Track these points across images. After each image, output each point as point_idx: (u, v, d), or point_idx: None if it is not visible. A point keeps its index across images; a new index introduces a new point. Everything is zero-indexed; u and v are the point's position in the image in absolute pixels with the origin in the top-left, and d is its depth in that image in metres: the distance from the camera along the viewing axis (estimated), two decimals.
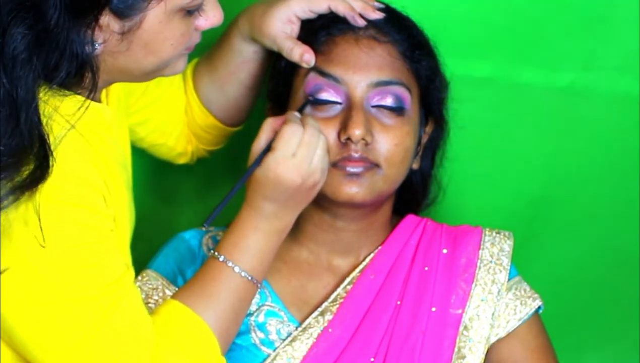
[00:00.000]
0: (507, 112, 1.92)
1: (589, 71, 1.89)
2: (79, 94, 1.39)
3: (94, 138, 1.43)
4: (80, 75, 1.37)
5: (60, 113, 1.37)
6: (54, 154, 1.34)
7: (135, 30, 1.37)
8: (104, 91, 1.50)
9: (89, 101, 1.39)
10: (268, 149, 1.51)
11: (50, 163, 1.33)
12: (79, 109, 1.37)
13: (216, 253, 1.50)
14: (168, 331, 1.44)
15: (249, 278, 1.50)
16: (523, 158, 1.96)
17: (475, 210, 1.93)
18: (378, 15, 1.62)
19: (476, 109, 1.89)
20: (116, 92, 1.56)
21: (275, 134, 1.51)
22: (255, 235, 1.51)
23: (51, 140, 1.34)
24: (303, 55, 1.60)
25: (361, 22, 1.61)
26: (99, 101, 1.48)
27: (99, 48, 1.37)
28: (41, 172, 1.32)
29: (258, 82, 1.74)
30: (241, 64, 1.70)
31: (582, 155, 1.96)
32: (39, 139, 1.33)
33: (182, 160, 1.81)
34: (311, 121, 1.52)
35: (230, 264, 1.49)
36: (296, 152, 1.49)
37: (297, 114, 1.54)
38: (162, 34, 1.39)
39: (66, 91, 1.37)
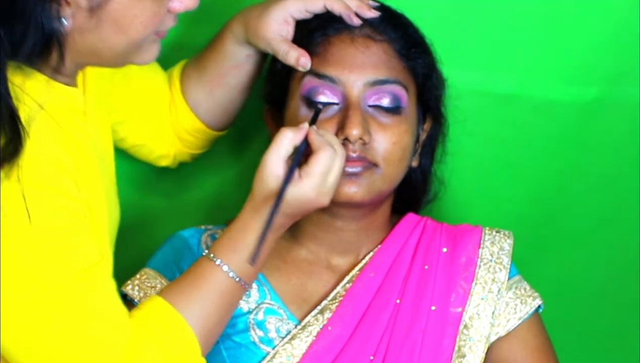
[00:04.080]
0: (528, 125, 1.92)
1: (612, 85, 1.88)
2: (46, 74, 1.37)
3: (65, 121, 1.41)
4: (47, 50, 1.36)
5: (28, 93, 1.35)
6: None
7: (104, 7, 1.36)
8: (80, 79, 1.49)
9: (56, 83, 1.37)
10: (295, 165, 1.47)
11: (23, 136, 1.31)
12: (47, 89, 1.36)
13: (211, 255, 1.49)
14: (146, 326, 1.42)
15: (237, 279, 1.48)
16: (528, 162, 1.96)
17: (485, 218, 1.92)
18: (374, 14, 1.61)
19: (495, 122, 1.89)
20: (95, 83, 1.54)
21: (295, 149, 1.48)
22: (251, 245, 1.47)
23: (22, 119, 1.32)
24: (299, 59, 1.59)
25: (357, 21, 1.61)
26: (74, 86, 1.46)
27: (67, 25, 1.36)
28: (14, 146, 1.31)
29: (248, 87, 1.73)
30: (232, 67, 1.69)
31: (590, 162, 1.95)
32: (8, 112, 1.31)
33: (163, 163, 1.80)
34: (336, 140, 1.51)
35: (218, 262, 1.48)
36: (328, 179, 1.48)
37: (320, 131, 1.51)
38: (131, 11, 1.38)
39: (35, 71, 1.36)
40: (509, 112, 1.89)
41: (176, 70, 1.75)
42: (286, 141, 1.48)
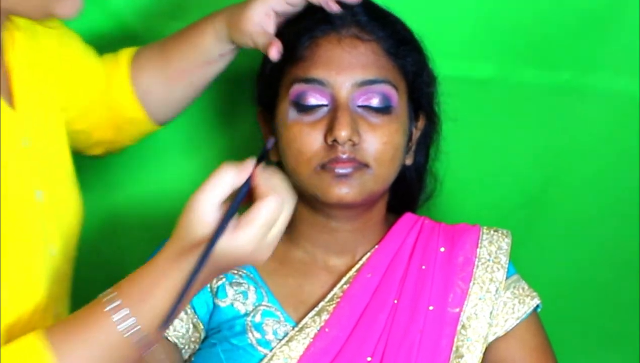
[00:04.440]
0: (507, 111, 1.91)
1: (588, 70, 1.87)
2: None
3: None
4: None
5: None
6: None
7: None
8: (9, 41, 1.44)
9: None
10: (232, 212, 1.25)
11: None
12: None
13: (113, 294, 1.28)
14: None
15: (135, 329, 1.26)
16: (522, 157, 1.95)
17: (474, 211, 1.92)
18: (354, 0, 1.59)
19: (475, 108, 1.88)
20: (37, 62, 1.50)
21: (235, 192, 1.27)
22: (165, 294, 1.26)
23: None
24: (271, 50, 1.57)
25: (336, 8, 1.59)
26: None
27: None
28: None
29: (204, 88, 1.71)
30: (201, 64, 1.67)
31: (582, 155, 1.94)
32: None
33: (95, 151, 1.71)
34: (285, 185, 1.30)
35: (117, 303, 1.26)
36: (271, 231, 1.28)
37: (268, 171, 1.30)
38: None
39: None
40: (487, 95, 1.89)
41: (125, 56, 1.70)
42: (226, 180, 1.26)
